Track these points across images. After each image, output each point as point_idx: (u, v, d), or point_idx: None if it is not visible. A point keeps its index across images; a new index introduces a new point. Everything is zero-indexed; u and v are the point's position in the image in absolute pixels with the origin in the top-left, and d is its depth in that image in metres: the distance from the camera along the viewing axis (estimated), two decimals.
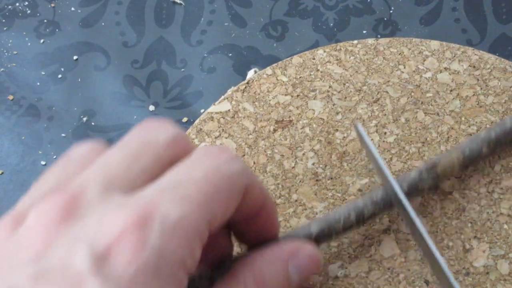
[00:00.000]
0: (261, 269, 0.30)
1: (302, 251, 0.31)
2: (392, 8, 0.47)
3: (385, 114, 0.40)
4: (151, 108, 0.45)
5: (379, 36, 0.46)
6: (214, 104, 0.41)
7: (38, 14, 0.50)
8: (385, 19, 0.47)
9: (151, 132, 0.29)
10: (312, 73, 0.42)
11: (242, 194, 0.29)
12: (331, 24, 0.47)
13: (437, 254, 0.31)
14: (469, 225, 0.36)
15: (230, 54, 0.47)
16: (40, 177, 0.29)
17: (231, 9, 0.49)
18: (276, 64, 0.43)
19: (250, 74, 0.45)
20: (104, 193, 0.26)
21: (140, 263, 0.24)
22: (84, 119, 0.45)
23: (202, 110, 0.44)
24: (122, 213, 0.25)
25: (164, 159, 0.28)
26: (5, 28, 0.49)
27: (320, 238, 0.33)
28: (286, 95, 0.41)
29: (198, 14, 0.49)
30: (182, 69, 0.47)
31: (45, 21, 0.50)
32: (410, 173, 0.35)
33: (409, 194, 0.34)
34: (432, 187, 0.36)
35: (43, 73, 0.47)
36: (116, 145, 0.29)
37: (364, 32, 0.46)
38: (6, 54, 0.48)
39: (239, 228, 0.33)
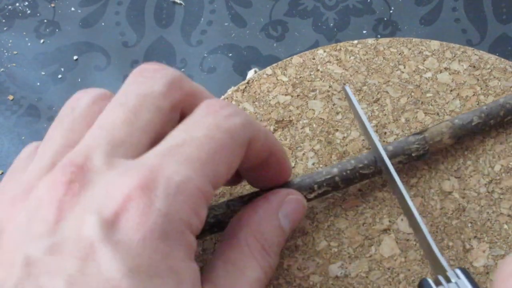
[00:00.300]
0: (257, 224, 0.32)
1: (287, 199, 0.33)
2: (392, 8, 0.47)
3: (385, 114, 0.40)
4: None
5: (379, 36, 0.46)
6: None
7: (38, 14, 0.50)
8: (385, 19, 0.47)
9: (147, 83, 0.29)
10: (312, 73, 0.42)
11: (246, 147, 0.29)
12: (331, 24, 0.47)
13: (419, 219, 0.33)
14: (469, 225, 0.36)
15: (230, 54, 0.47)
16: (45, 137, 0.30)
17: (231, 9, 0.49)
18: (276, 64, 0.43)
19: (250, 74, 0.45)
20: (109, 160, 0.26)
21: (147, 227, 0.24)
22: None
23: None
24: (127, 178, 0.25)
25: (165, 109, 0.28)
26: (5, 28, 0.50)
27: (302, 189, 0.35)
28: (286, 95, 0.41)
29: (198, 14, 0.49)
30: (182, 69, 0.47)
31: (45, 21, 0.50)
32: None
33: (396, 157, 0.36)
34: (420, 154, 0.36)
35: (43, 73, 0.47)
36: (115, 99, 0.29)
37: (364, 32, 0.46)
38: (6, 54, 0.48)
39: (249, 175, 0.34)
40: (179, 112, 0.30)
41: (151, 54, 0.47)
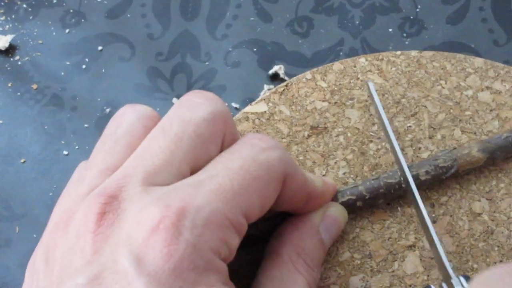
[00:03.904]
0: (298, 240, 0.32)
1: (328, 213, 0.34)
2: (419, 6, 0.47)
3: (422, 129, 0.39)
4: (175, 100, 0.45)
5: (404, 34, 0.46)
6: (251, 104, 0.41)
7: (64, 4, 0.50)
8: (411, 17, 0.47)
9: (193, 109, 0.29)
10: (352, 81, 0.41)
11: (281, 182, 0.29)
12: (357, 22, 0.47)
13: (436, 239, 0.33)
14: (496, 248, 0.36)
15: (255, 49, 0.47)
16: (90, 157, 0.30)
17: (257, 4, 0.48)
18: (316, 69, 0.42)
19: (275, 69, 0.45)
20: (143, 189, 0.27)
21: (176, 257, 0.24)
22: (107, 110, 0.46)
23: (225, 105, 0.44)
24: (156, 208, 0.25)
25: (206, 136, 0.29)
26: (31, 17, 0.50)
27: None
28: (323, 101, 0.41)
29: (224, 8, 0.49)
30: (207, 63, 0.47)
31: (71, 11, 0.50)
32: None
33: (423, 167, 0.36)
34: (448, 165, 0.36)
35: (67, 63, 0.48)
36: (160, 125, 0.29)
37: (390, 30, 0.46)
38: (31, 43, 0.48)
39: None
40: (220, 144, 0.30)
41: (176, 47, 0.47)
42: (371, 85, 0.37)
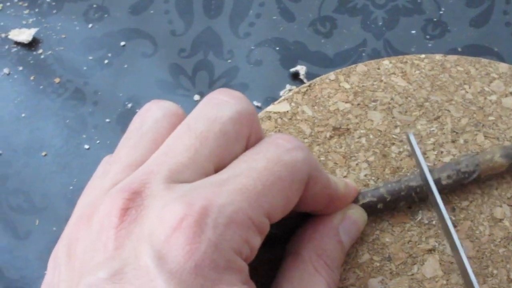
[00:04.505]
0: (318, 241, 0.32)
1: (348, 214, 0.34)
2: (443, 9, 0.47)
3: (444, 133, 0.39)
4: (196, 97, 0.45)
5: (427, 36, 0.46)
6: (273, 104, 0.41)
7: None
8: (435, 19, 0.47)
9: (219, 107, 0.29)
10: (375, 83, 0.41)
11: (304, 183, 0.29)
12: (380, 23, 0.47)
13: (458, 244, 0.33)
14: None
15: (278, 48, 0.47)
16: (115, 151, 0.31)
17: (280, 3, 0.48)
18: (339, 70, 0.42)
19: (297, 69, 0.45)
20: (167, 186, 0.27)
21: (197, 256, 0.24)
22: (129, 105, 0.46)
23: (251, 104, 0.44)
24: (180, 206, 0.25)
25: (231, 135, 0.29)
26: (54, 11, 0.50)
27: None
28: (346, 102, 0.40)
29: (247, 6, 0.49)
30: (229, 60, 0.47)
31: (95, 6, 0.50)
32: None
33: (444, 172, 0.36)
34: (470, 170, 0.36)
35: (90, 57, 0.48)
36: (185, 122, 0.29)
37: (413, 32, 0.46)
38: (54, 37, 0.49)
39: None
40: (245, 143, 0.30)
41: (199, 44, 0.47)
42: (411, 136, 0.37)
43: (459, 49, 0.45)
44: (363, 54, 0.46)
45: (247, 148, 0.30)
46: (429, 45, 0.46)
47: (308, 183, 0.29)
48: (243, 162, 0.28)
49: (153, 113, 0.31)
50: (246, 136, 0.29)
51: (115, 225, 0.26)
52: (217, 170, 0.28)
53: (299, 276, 0.31)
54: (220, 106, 0.29)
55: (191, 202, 0.25)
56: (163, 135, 0.30)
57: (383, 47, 0.46)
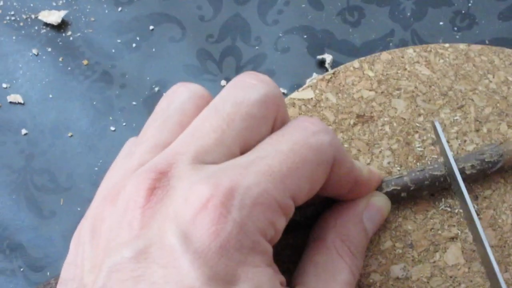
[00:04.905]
0: (343, 227, 0.32)
1: (372, 201, 0.34)
2: (471, 1, 0.47)
3: (468, 122, 0.39)
4: (223, 82, 0.46)
5: (455, 28, 0.46)
6: (297, 91, 0.41)
7: None
8: (463, 11, 0.46)
9: (246, 89, 0.29)
10: (399, 72, 0.41)
11: (330, 167, 0.29)
12: (408, 14, 0.47)
13: (482, 232, 0.34)
14: None
15: (305, 36, 0.47)
16: (141, 132, 0.31)
17: None
18: (364, 58, 0.42)
19: (324, 56, 0.45)
20: (193, 167, 0.27)
21: (223, 236, 0.25)
22: (156, 89, 0.46)
23: (278, 88, 0.44)
24: (205, 186, 0.25)
25: (257, 117, 0.29)
26: None
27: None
28: (370, 90, 0.41)
29: None
30: (256, 47, 0.47)
31: None
32: None
33: (468, 161, 0.36)
34: (494, 160, 0.36)
35: (118, 40, 0.48)
36: (212, 104, 0.29)
37: (441, 23, 0.46)
38: (83, 19, 0.49)
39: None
40: (271, 126, 0.30)
41: (227, 30, 0.48)
42: (437, 124, 0.37)
43: (487, 42, 0.45)
44: (390, 44, 0.46)
45: (273, 131, 0.30)
46: (457, 37, 0.46)
47: (333, 166, 0.29)
48: (269, 144, 0.28)
49: (180, 94, 0.31)
50: (272, 119, 0.29)
51: (141, 205, 0.26)
52: (243, 152, 0.28)
53: (323, 261, 0.31)
54: (247, 88, 0.29)
55: (217, 183, 0.25)
56: (189, 117, 0.30)
57: (411, 38, 0.46)
